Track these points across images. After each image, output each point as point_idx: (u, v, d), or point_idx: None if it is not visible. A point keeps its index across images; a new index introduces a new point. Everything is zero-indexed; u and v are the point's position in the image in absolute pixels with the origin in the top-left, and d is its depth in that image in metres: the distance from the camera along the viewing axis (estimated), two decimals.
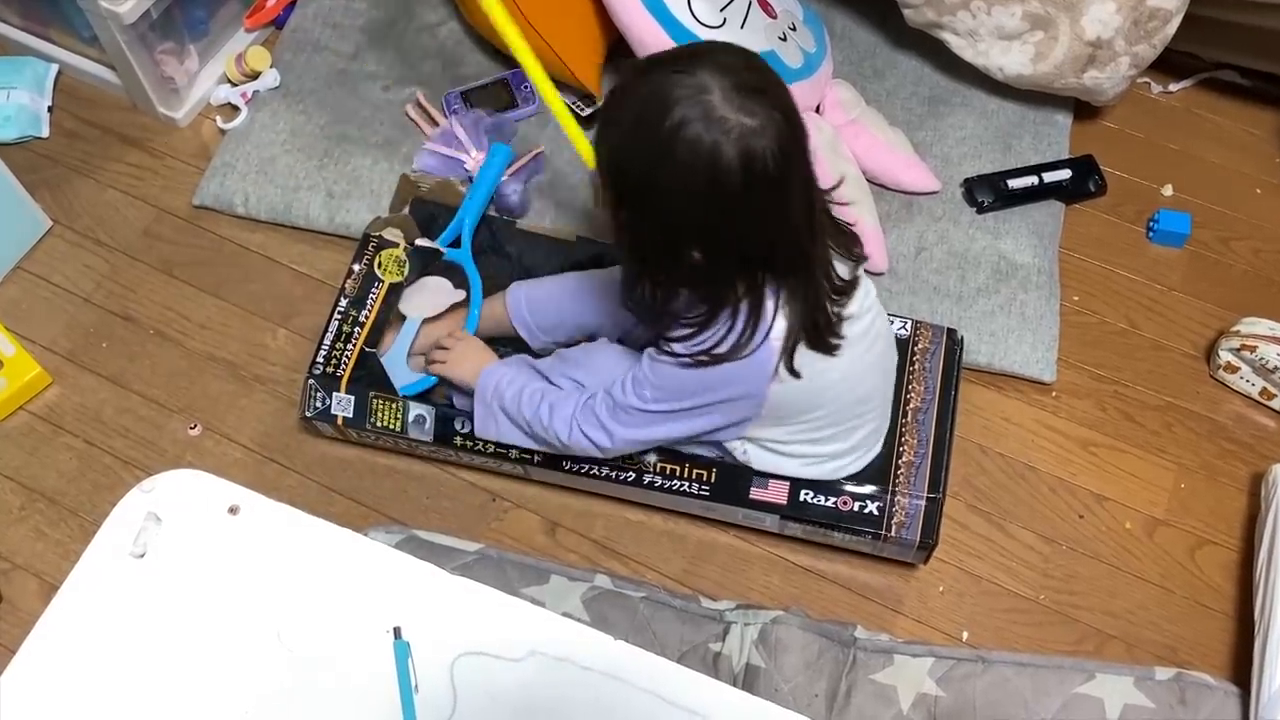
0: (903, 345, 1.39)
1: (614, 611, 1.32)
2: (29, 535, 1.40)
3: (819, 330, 1.11)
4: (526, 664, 0.88)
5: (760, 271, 1.06)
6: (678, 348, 1.11)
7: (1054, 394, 1.53)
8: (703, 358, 1.09)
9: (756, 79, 0.99)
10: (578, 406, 1.22)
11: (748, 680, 1.26)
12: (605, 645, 0.89)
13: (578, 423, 1.22)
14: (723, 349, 1.09)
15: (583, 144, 1.36)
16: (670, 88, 0.97)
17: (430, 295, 1.46)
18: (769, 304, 1.08)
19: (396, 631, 0.88)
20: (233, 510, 0.94)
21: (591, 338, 1.36)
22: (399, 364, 1.40)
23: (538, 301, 1.39)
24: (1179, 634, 1.37)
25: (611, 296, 1.28)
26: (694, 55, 1.00)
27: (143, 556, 0.92)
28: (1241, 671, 1.32)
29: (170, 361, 1.52)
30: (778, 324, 1.08)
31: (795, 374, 1.11)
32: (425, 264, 1.47)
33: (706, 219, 1.01)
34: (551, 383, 1.28)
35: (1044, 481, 1.47)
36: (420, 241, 1.48)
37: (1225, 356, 1.52)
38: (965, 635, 1.36)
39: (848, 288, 1.13)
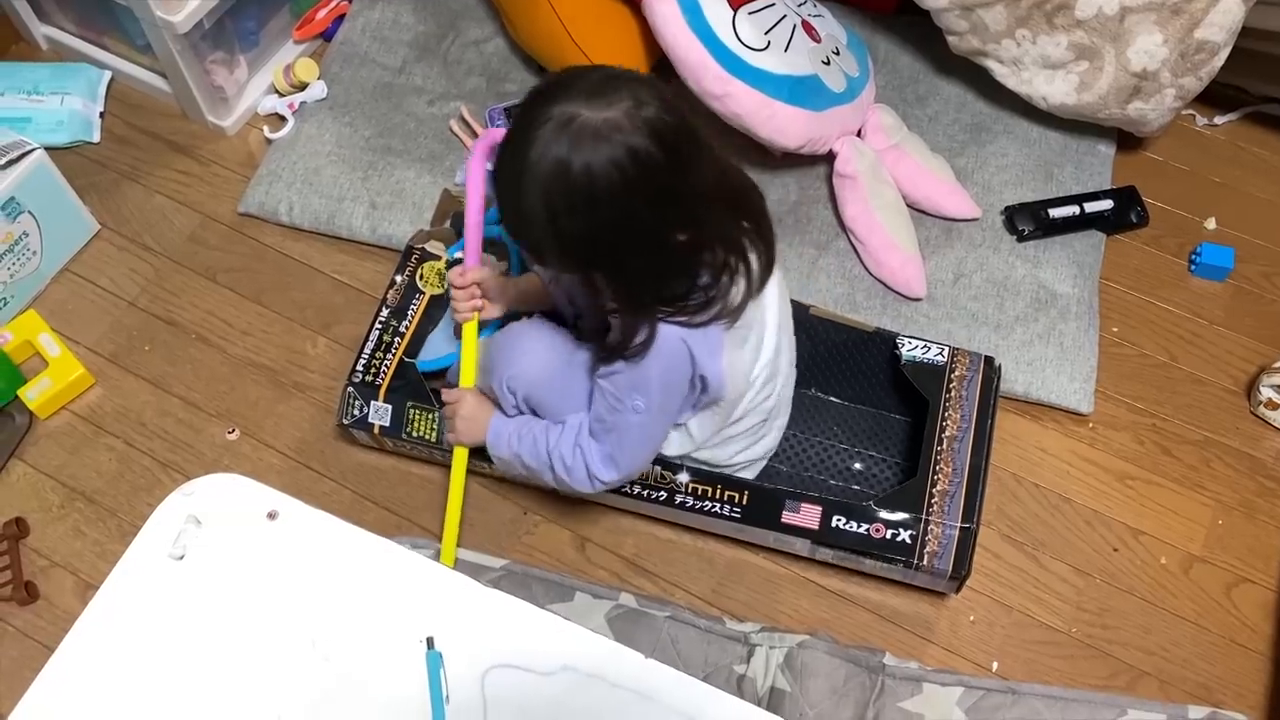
0: (939, 372, 1.38)
1: (638, 631, 1.32)
2: (68, 534, 1.42)
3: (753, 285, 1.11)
4: (558, 678, 0.88)
5: (730, 213, 1.08)
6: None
7: (1091, 425, 1.52)
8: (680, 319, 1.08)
9: (595, 75, 0.99)
10: (589, 457, 1.20)
11: (772, 705, 1.26)
12: (637, 663, 0.88)
13: (596, 479, 1.21)
14: (708, 308, 1.08)
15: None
16: (548, 149, 0.95)
17: None
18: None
19: (429, 642, 0.89)
20: (271, 515, 0.95)
21: None
22: (438, 338, 1.42)
23: None
24: (1214, 673, 1.35)
25: None
26: (535, 103, 0.99)
27: (182, 558, 0.93)
28: (1278, 712, 1.30)
29: (211, 366, 1.54)
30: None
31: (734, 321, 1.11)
32: None
33: (663, 202, 1.00)
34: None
35: (1079, 513, 1.45)
36: (458, 254, 1.49)
37: (1267, 393, 1.50)
38: (995, 666, 1.35)
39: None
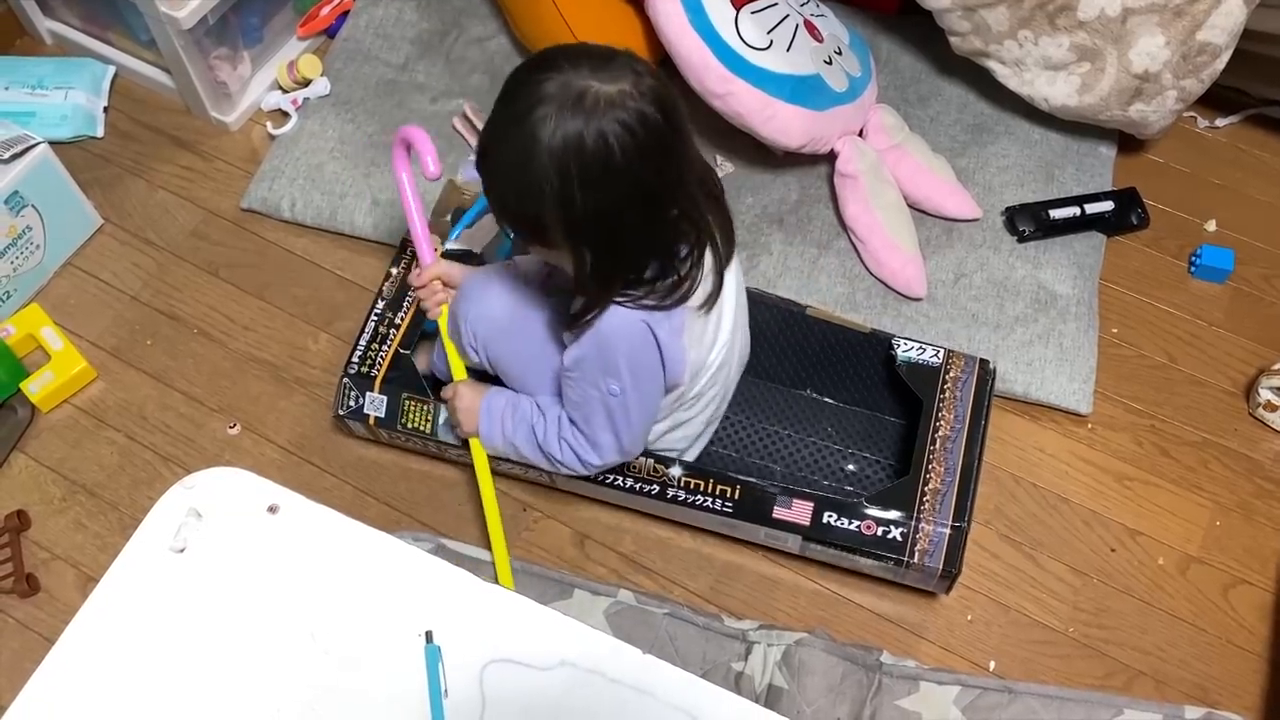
0: (933, 373, 1.39)
1: (637, 628, 1.32)
2: (69, 527, 1.42)
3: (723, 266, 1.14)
4: (556, 674, 0.88)
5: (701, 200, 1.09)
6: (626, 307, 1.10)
7: (1089, 426, 1.52)
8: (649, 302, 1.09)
9: (600, 48, 1.01)
10: (578, 448, 1.21)
11: (769, 702, 1.26)
12: (636, 659, 0.89)
13: (589, 464, 1.22)
14: (675, 292, 1.09)
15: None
16: (558, 115, 0.96)
17: None
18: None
19: (428, 636, 0.89)
20: (272, 509, 0.95)
21: None
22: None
23: None
24: (1210, 673, 1.36)
25: None
26: (528, 80, 0.99)
27: (182, 551, 0.93)
28: (1273, 714, 1.30)
29: (212, 361, 1.55)
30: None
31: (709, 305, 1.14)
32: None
33: (668, 174, 1.02)
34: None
35: (1077, 514, 1.46)
36: (450, 245, 1.49)
37: (1265, 395, 1.50)
38: (992, 665, 1.36)
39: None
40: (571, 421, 1.21)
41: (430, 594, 0.92)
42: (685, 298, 1.10)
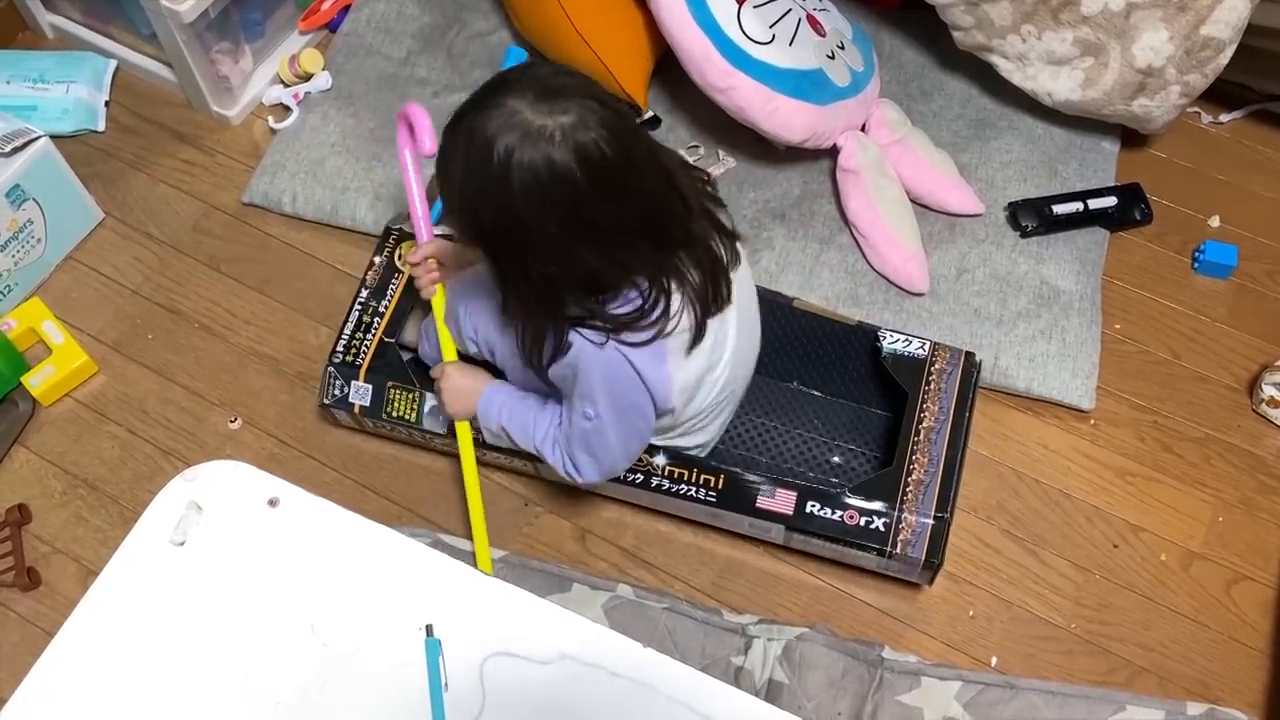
0: (919, 365, 1.38)
1: (635, 622, 1.32)
2: (70, 520, 1.42)
3: (708, 304, 1.14)
4: (556, 667, 0.88)
5: (653, 246, 1.08)
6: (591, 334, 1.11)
7: (1092, 422, 1.52)
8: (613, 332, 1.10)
9: (556, 79, 1.01)
10: (565, 459, 1.23)
11: (770, 697, 1.26)
12: (635, 652, 0.89)
13: (576, 477, 1.23)
14: (635, 322, 1.09)
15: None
16: (483, 125, 0.98)
17: None
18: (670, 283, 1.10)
19: (428, 629, 0.89)
20: (272, 502, 0.95)
21: None
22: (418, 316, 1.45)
23: None
24: (1212, 669, 1.35)
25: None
26: (490, 89, 1.02)
27: (183, 544, 0.93)
28: (1276, 710, 1.30)
29: (214, 355, 1.55)
30: (674, 300, 1.11)
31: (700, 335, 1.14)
32: None
33: (573, 223, 1.02)
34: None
35: (1079, 509, 1.45)
36: (437, 231, 1.49)
37: (1269, 391, 1.50)
38: (994, 661, 1.36)
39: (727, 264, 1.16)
40: (563, 431, 1.22)
41: (431, 588, 0.92)
42: (658, 336, 1.10)
